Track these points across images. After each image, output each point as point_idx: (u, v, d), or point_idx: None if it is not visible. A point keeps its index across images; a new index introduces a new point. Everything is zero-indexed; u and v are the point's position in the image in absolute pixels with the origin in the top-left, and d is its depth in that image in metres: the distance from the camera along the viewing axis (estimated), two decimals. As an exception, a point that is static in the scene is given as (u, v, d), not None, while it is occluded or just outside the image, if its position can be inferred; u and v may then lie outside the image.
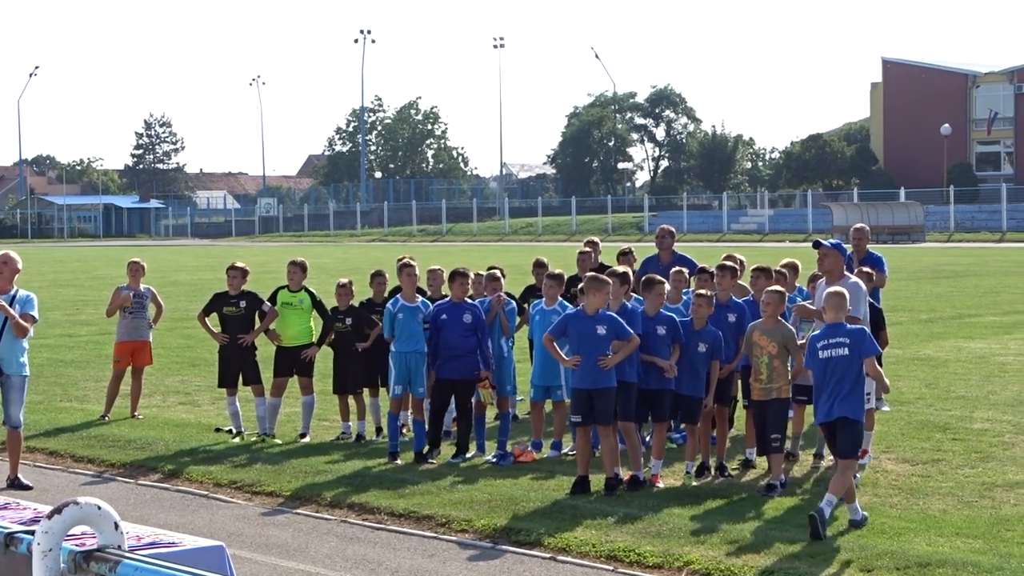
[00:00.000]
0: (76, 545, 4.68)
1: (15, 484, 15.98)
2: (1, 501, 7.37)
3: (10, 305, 15.63)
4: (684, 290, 17.09)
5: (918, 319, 33.36)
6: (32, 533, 4.62)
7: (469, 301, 16.88)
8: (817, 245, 15.49)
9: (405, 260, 17.54)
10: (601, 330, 14.70)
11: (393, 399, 17.15)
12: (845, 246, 15.64)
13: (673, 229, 20.80)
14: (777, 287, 15.20)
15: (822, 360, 13.16)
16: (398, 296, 17.32)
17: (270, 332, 18.63)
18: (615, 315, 14.94)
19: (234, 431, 18.56)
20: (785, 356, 14.57)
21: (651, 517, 13.51)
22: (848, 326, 13.39)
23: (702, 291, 15.73)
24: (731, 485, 14.99)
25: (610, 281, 15.15)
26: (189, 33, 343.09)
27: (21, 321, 15.48)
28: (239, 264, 19.10)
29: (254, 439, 18.18)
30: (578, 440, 15.11)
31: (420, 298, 17.34)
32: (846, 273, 15.28)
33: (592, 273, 16.00)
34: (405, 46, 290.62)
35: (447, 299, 16.96)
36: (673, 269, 17.49)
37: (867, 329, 13.84)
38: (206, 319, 19.12)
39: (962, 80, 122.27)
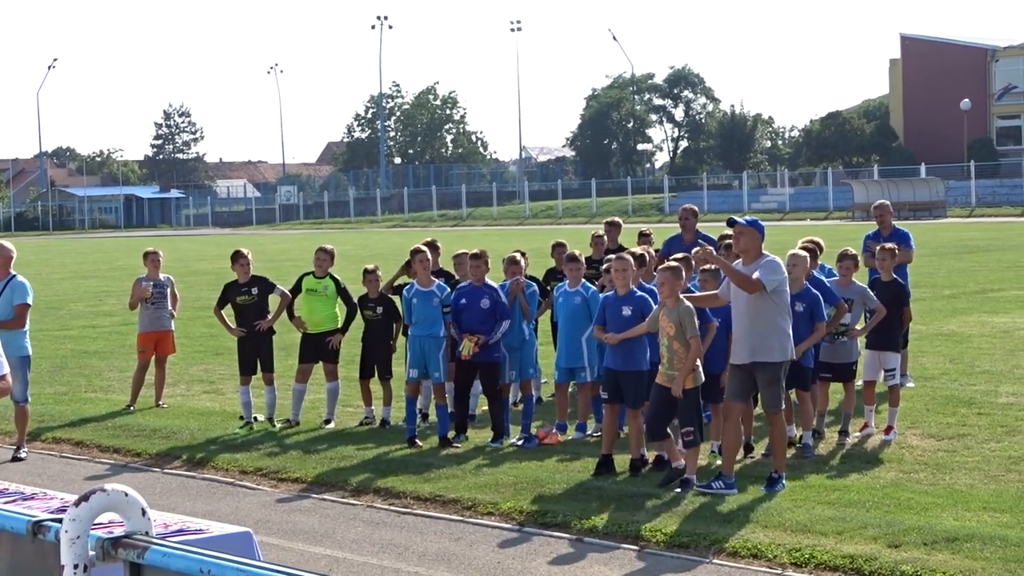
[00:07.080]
0: (104, 532, 4.68)
1: (15, 457, 17.16)
2: (28, 491, 7.39)
3: (3, 290, 16.75)
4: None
5: (941, 295, 33.25)
6: (59, 521, 4.63)
7: (490, 284, 16.86)
8: (732, 223, 13.99)
9: (417, 246, 17.57)
10: (626, 311, 14.72)
11: (409, 383, 17.15)
12: (763, 224, 13.92)
13: (696, 208, 20.53)
14: (672, 263, 14.36)
15: None
16: (413, 282, 17.33)
17: (296, 319, 18.61)
18: (645, 296, 14.94)
19: (244, 420, 18.50)
20: (684, 338, 13.88)
21: (677, 496, 13.51)
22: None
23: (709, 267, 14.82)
24: (759, 464, 14.93)
25: (630, 260, 15.15)
26: (206, 22, 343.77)
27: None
28: (243, 251, 19.05)
29: (279, 427, 18.15)
30: (605, 417, 15.11)
31: (436, 282, 17.33)
32: (764, 252, 13.76)
33: (617, 254, 15.95)
34: (422, 31, 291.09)
35: (468, 283, 16.95)
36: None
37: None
38: (221, 312, 19.13)
39: (981, 55, 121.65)
